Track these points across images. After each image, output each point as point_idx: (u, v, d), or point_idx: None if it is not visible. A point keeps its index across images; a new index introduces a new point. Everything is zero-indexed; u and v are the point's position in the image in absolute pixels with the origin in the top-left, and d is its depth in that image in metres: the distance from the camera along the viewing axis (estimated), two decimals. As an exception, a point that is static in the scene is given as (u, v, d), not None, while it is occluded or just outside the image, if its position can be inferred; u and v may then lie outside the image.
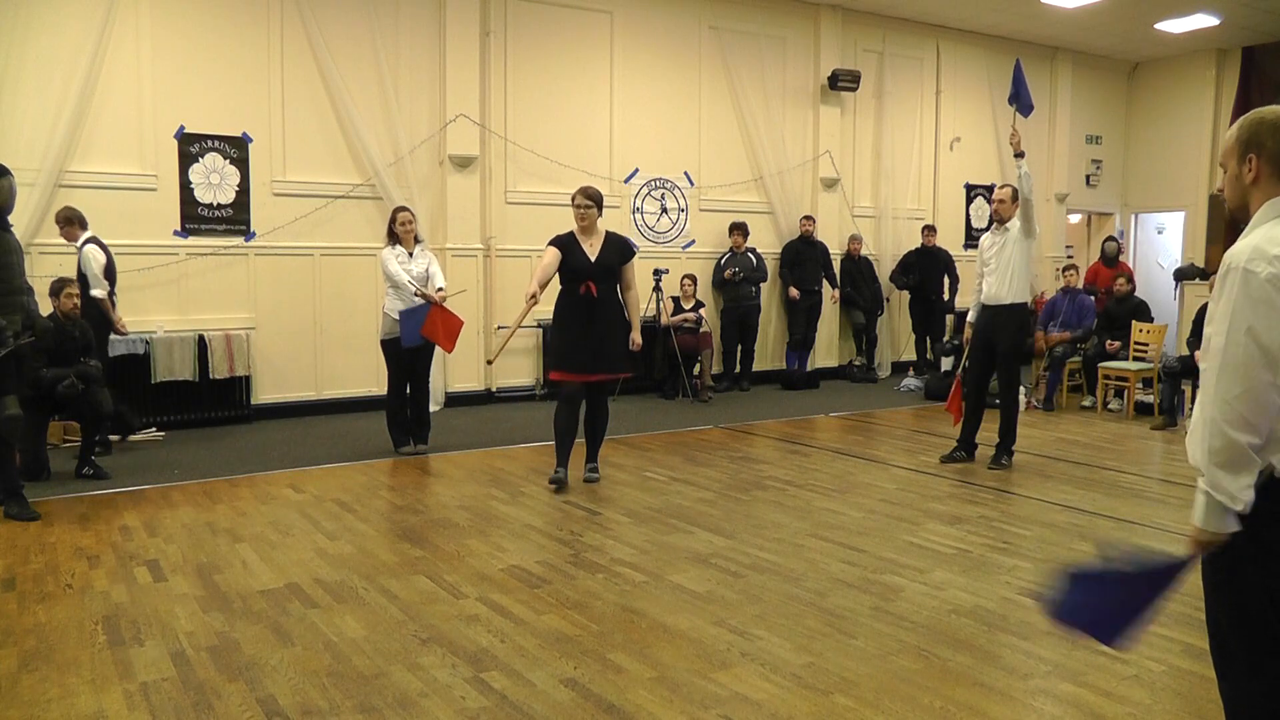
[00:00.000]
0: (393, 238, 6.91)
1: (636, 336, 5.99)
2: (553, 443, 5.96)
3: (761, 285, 10.32)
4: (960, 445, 6.76)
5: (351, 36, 8.38)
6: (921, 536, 4.94)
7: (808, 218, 10.64)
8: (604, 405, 6.12)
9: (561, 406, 5.86)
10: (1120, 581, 2.16)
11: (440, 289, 6.79)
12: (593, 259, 5.77)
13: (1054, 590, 2.20)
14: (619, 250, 5.87)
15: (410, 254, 6.89)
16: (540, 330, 9.21)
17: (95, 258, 6.77)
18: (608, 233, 5.94)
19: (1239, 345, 1.93)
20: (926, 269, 11.12)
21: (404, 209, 7.00)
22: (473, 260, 8.98)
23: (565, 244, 5.80)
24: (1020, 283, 6.44)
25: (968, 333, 6.69)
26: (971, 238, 12.31)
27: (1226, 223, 12.86)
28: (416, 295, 6.66)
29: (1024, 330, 6.67)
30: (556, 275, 5.79)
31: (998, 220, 6.52)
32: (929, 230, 11.23)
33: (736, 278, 10.01)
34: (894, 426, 8.32)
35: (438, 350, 6.97)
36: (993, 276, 6.47)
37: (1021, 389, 9.20)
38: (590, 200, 5.80)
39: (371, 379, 8.35)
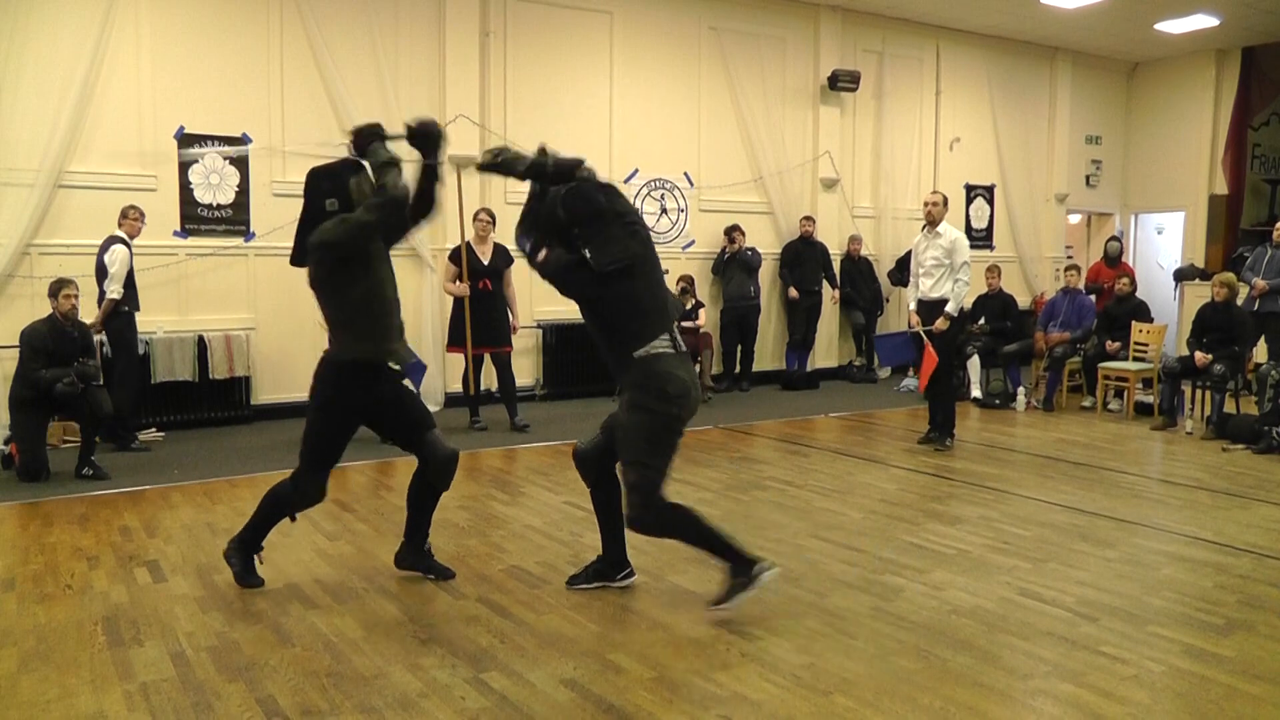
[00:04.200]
0: None
1: (516, 321, 7.81)
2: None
3: (760, 282, 10.29)
4: (932, 427, 7.40)
5: (351, 36, 8.38)
6: (921, 536, 4.94)
7: (807, 218, 10.63)
8: (508, 368, 7.76)
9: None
10: None
11: None
12: (485, 263, 7.56)
13: None
14: (503, 257, 7.67)
15: None
16: (540, 330, 9.21)
17: (122, 258, 6.82)
18: (495, 243, 7.66)
19: None
20: None
21: None
22: (472, 260, 8.98)
23: (464, 252, 7.51)
24: (948, 282, 7.08)
25: (914, 319, 7.25)
26: (972, 238, 12.26)
27: (1226, 223, 12.89)
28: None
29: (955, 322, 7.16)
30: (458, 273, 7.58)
31: (929, 222, 7.15)
32: None
33: (741, 254, 10.01)
34: (894, 426, 8.32)
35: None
36: (927, 278, 7.16)
37: (1021, 389, 9.30)
38: (490, 218, 7.65)
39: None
